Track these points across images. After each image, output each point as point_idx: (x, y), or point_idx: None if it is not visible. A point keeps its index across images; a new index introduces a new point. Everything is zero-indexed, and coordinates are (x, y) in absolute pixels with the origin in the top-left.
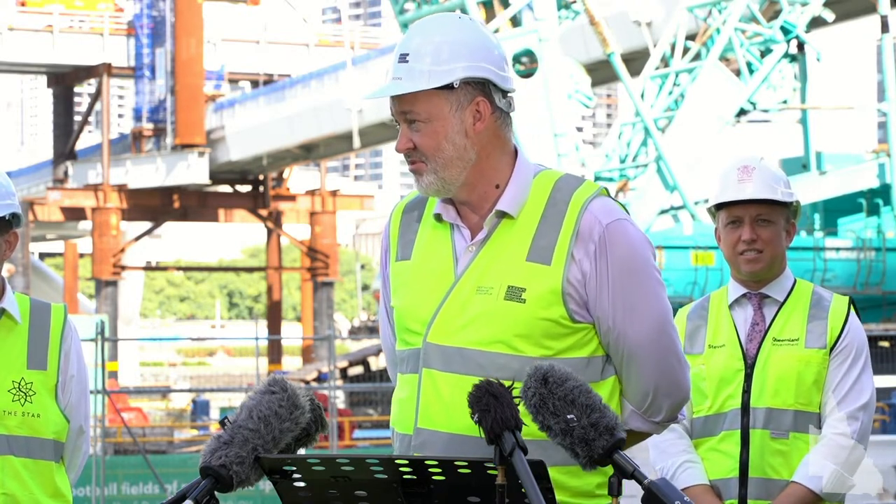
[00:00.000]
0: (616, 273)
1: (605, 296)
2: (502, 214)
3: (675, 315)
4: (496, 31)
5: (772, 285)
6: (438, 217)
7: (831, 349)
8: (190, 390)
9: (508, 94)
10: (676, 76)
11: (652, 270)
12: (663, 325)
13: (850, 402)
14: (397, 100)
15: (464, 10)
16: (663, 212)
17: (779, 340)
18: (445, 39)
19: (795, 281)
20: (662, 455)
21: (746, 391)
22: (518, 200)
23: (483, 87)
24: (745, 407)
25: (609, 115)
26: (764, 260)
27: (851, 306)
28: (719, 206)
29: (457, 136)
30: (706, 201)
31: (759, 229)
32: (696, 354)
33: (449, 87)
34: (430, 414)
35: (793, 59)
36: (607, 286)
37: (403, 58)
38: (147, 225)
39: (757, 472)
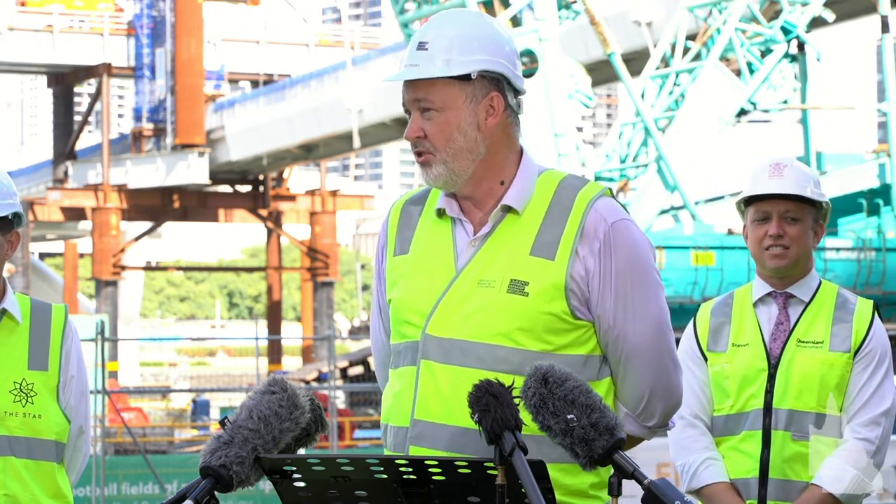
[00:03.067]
0: (619, 272)
1: (608, 294)
2: (507, 209)
3: (697, 311)
4: None
5: (798, 285)
6: (440, 212)
7: (855, 353)
8: (190, 390)
9: (519, 95)
10: (677, 76)
11: (653, 272)
12: (662, 326)
13: (872, 408)
14: (411, 86)
15: None
16: (663, 212)
17: (803, 342)
18: (464, 32)
19: (821, 282)
20: (684, 451)
21: (769, 392)
22: (523, 196)
23: (498, 83)
24: (768, 407)
25: (609, 115)
26: (789, 256)
27: (875, 310)
28: (748, 202)
29: (469, 128)
30: (707, 201)
31: (786, 225)
32: (720, 352)
33: (466, 78)
34: (428, 405)
35: (793, 59)
36: (610, 285)
37: (422, 45)
38: (147, 225)
39: (777, 473)
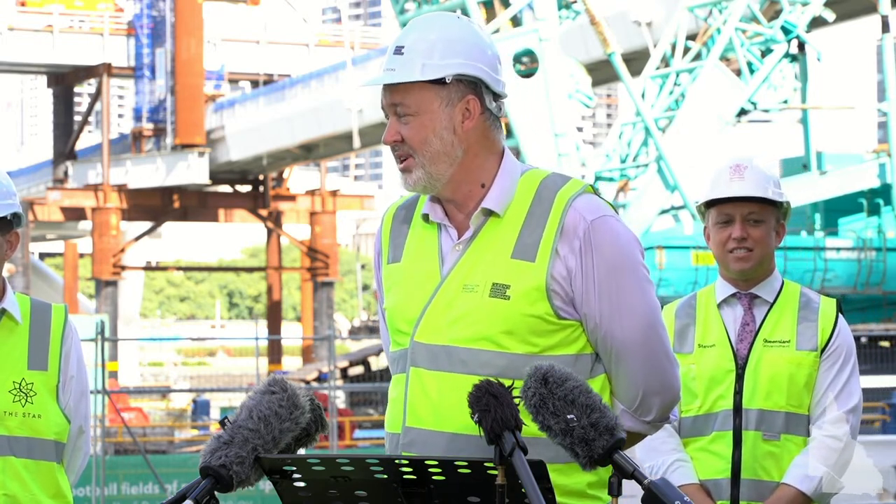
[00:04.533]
0: (602, 270)
1: (592, 293)
2: (488, 213)
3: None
4: (496, 31)
5: (761, 285)
6: (426, 217)
7: (822, 351)
8: (190, 390)
9: (500, 99)
10: (677, 76)
11: (639, 268)
12: (651, 323)
13: (840, 405)
14: (389, 91)
15: (464, 10)
16: (664, 212)
17: (770, 342)
18: (442, 36)
19: (783, 282)
20: (652, 453)
21: (738, 392)
22: (504, 199)
23: (475, 87)
24: (738, 408)
25: (609, 115)
26: (753, 258)
27: (839, 309)
28: (710, 205)
29: (444, 132)
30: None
31: (749, 228)
32: (686, 354)
33: (441, 81)
34: (418, 412)
35: (793, 58)
36: (593, 283)
37: (399, 50)
38: (147, 225)
39: (749, 473)
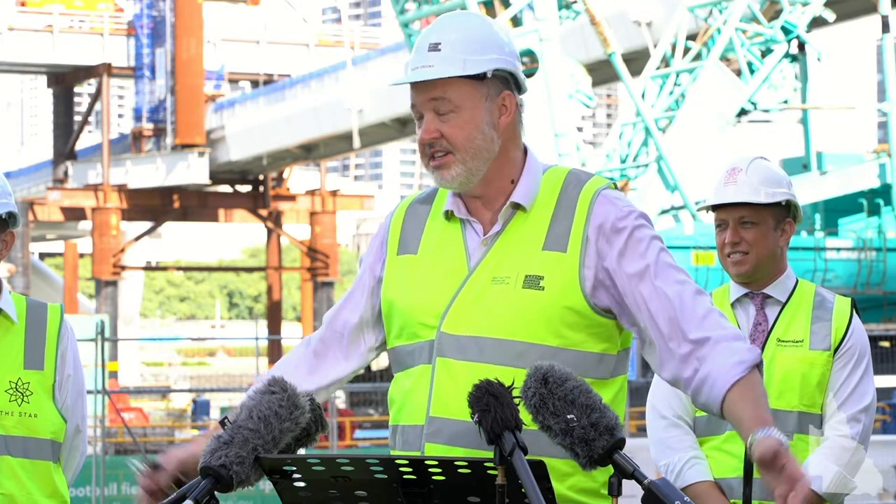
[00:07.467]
0: (625, 246)
1: (617, 268)
2: (516, 206)
3: None
4: None
5: (773, 286)
6: (448, 214)
7: (835, 351)
8: (190, 390)
9: (522, 94)
10: (677, 76)
11: (657, 242)
12: (658, 256)
13: (852, 404)
14: (425, 88)
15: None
16: (664, 212)
17: (783, 341)
18: (476, 33)
19: (798, 281)
20: (668, 451)
21: None
22: (531, 193)
23: (507, 82)
24: None
25: (609, 115)
26: (749, 262)
27: (854, 308)
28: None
29: (486, 127)
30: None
31: (742, 231)
32: None
33: (481, 77)
34: (445, 402)
35: (793, 59)
36: (616, 259)
37: (435, 46)
38: (147, 225)
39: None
